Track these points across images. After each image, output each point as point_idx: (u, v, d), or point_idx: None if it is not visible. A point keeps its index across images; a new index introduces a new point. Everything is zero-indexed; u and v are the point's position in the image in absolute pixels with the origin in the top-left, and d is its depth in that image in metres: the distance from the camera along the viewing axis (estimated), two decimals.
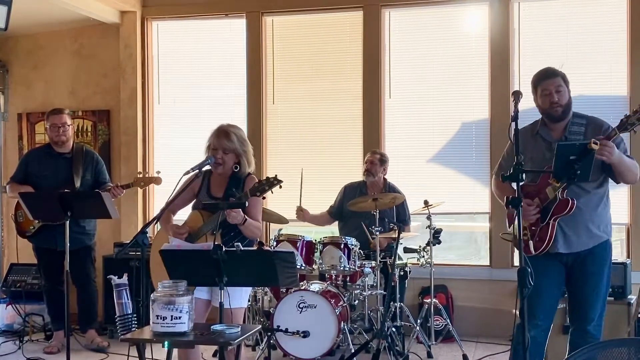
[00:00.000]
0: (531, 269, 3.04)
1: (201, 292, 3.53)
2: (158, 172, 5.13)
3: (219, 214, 3.47)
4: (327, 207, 5.77)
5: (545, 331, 3.66)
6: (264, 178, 3.56)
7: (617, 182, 3.61)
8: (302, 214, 5.54)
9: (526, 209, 3.57)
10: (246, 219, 3.53)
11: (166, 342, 2.96)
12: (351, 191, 5.65)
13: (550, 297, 3.62)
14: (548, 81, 3.62)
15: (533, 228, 3.60)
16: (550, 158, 3.52)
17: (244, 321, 3.85)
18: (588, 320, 3.60)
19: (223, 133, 3.68)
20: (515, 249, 3.86)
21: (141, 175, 5.19)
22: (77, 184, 5.29)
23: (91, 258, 5.55)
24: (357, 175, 5.70)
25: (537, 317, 3.56)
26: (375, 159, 5.57)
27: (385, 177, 5.64)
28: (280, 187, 3.56)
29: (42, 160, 5.39)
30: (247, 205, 3.46)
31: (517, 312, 3.53)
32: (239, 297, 3.51)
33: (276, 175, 3.54)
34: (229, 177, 3.73)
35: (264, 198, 3.64)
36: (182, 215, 3.87)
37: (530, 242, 3.58)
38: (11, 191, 5.34)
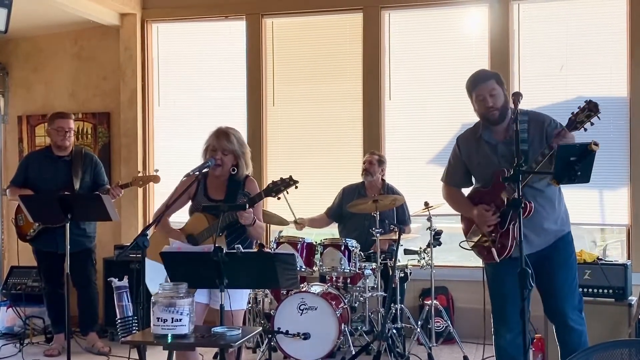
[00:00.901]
0: (532, 270, 3.04)
1: (200, 296, 3.51)
2: (156, 171, 5.13)
3: (224, 216, 3.47)
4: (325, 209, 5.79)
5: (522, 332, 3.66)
6: (279, 178, 3.57)
7: None
8: (300, 226, 5.55)
9: (485, 214, 3.54)
10: (255, 220, 3.55)
11: (169, 336, 2.94)
12: (350, 193, 5.66)
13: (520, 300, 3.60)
14: (481, 86, 3.57)
15: (493, 235, 3.57)
16: (498, 163, 3.50)
17: (244, 323, 3.85)
18: (566, 315, 3.57)
19: (222, 134, 3.68)
20: (478, 257, 3.78)
21: (140, 175, 5.18)
22: (77, 186, 5.28)
23: (92, 260, 5.54)
24: (358, 177, 5.70)
25: (508, 321, 3.55)
26: (373, 159, 5.59)
27: (384, 178, 5.65)
28: (296, 187, 3.57)
29: (42, 163, 5.38)
30: (247, 206, 3.47)
31: (492, 315, 3.62)
32: (239, 299, 3.51)
33: (291, 176, 3.55)
34: (227, 180, 3.73)
35: (278, 199, 3.64)
36: (181, 217, 3.87)
37: (493, 250, 3.55)
38: (11, 194, 5.33)
